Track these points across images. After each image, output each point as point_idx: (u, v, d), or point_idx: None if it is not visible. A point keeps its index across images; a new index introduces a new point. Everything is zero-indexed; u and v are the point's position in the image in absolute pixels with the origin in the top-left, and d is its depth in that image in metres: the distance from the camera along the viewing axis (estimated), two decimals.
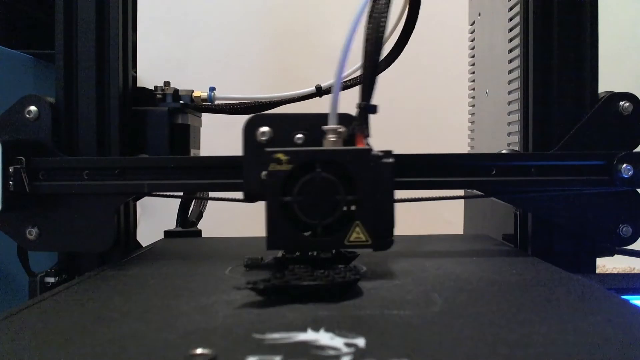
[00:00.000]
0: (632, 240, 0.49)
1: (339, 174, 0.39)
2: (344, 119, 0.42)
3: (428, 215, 1.11)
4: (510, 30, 0.57)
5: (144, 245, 0.58)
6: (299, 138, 0.44)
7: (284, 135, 0.44)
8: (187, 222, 0.68)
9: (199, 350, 0.25)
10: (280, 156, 0.39)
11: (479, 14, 0.73)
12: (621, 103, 0.49)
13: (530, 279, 0.41)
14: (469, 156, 0.56)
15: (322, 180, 0.39)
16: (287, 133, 0.44)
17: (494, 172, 0.48)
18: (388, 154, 0.40)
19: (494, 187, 0.49)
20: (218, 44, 1.20)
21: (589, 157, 0.48)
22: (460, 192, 0.67)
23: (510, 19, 0.57)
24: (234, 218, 0.90)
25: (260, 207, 0.41)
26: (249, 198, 0.45)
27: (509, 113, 0.57)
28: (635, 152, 0.48)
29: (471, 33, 0.77)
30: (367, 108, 0.41)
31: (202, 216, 0.69)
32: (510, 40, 0.57)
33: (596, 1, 0.50)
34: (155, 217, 1.13)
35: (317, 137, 0.42)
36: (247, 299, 0.34)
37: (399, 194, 0.50)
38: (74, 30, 0.51)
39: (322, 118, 0.42)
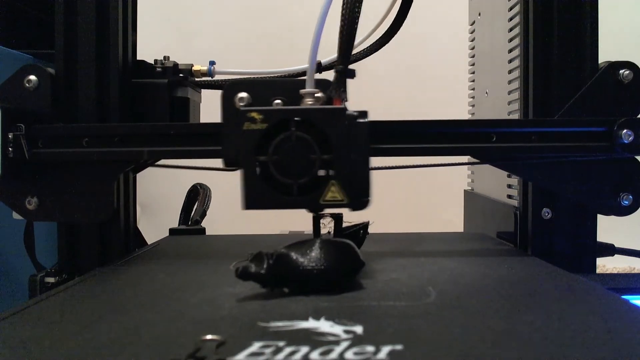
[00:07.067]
0: (633, 209, 0.48)
1: (314, 133, 0.39)
2: (321, 83, 0.41)
3: (428, 215, 1.11)
4: (510, 30, 0.57)
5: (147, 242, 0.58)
6: (277, 103, 0.44)
7: (262, 100, 0.44)
8: (190, 221, 0.68)
9: (208, 337, 0.26)
10: (255, 115, 0.39)
11: (479, 14, 0.73)
12: (621, 71, 0.48)
13: (520, 271, 0.42)
14: (469, 122, 0.55)
15: (297, 140, 0.38)
16: (266, 98, 0.44)
17: (494, 138, 0.47)
18: (363, 113, 0.39)
19: (494, 154, 0.48)
20: (216, 42, 1.20)
21: (590, 124, 0.47)
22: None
23: (510, 19, 0.57)
24: (236, 217, 0.90)
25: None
26: (229, 164, 0.44)
27: (509, 113, 0.57)
28: (636, 118, 0.47)
29: (471, 33, 0.77)
30: (344, 72, 0.41)
31: (205, 215, 0.69)
32: (510, 40, 0.57)
33: (596, 1, 0.50)
34: (155, 218, 1.13)
35: (295, 101, 0.42)
36: (251, 291, 0.36)
37: (399, 161, 0.50)
38: (74, 30, 0.50)
39: (300, 83, 0.42)
